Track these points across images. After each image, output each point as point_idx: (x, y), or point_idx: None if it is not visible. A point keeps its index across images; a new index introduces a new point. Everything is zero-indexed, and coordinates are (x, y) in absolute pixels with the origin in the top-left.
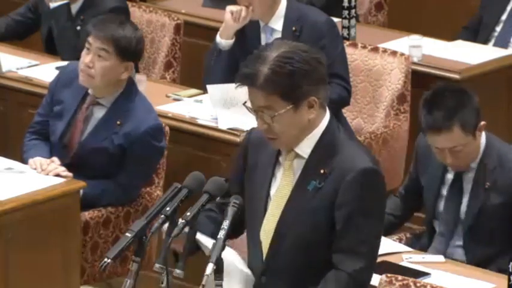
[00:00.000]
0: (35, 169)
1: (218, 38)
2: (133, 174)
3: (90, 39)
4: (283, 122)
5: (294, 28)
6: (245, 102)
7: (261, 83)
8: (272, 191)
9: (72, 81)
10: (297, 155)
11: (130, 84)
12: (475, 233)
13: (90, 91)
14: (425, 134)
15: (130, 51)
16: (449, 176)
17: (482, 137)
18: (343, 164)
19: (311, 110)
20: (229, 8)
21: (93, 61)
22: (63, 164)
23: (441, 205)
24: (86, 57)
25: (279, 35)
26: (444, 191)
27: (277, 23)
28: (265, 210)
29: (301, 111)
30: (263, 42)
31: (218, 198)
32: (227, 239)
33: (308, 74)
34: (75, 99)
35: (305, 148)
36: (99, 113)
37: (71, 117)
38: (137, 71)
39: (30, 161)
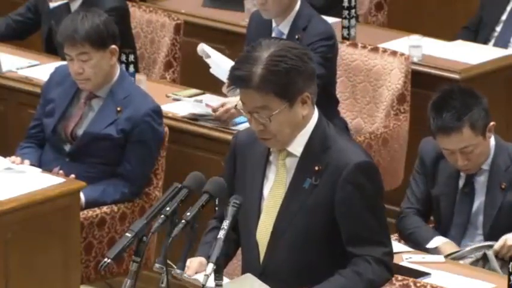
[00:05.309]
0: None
1: None
2: (134, 162)
3: (65, 51)
4: (279, 120)
5: (297, 36)
6: (235, 105)
7: (257, 84)
8: (265, 192)
9: (65, 78)
10: (289, 154)
11: (122, 71)
12: (496, 234)
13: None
14: (435, 137)
15: (105, 37)
16: (461, 183)
17: (492, 138)
18: (337, 159)
19: (304, 106)
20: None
21: (81, 67)
22: (62, 155)
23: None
24: (72, 67)
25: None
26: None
27: (286, 28)
28: (260, 211)
29: (296, 108)
30: None
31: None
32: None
33: (302, 70)
34: (67, 96)
35: (297, 146)
36: (97, 104)
37: (62, 112)
38: (137, 71)
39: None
